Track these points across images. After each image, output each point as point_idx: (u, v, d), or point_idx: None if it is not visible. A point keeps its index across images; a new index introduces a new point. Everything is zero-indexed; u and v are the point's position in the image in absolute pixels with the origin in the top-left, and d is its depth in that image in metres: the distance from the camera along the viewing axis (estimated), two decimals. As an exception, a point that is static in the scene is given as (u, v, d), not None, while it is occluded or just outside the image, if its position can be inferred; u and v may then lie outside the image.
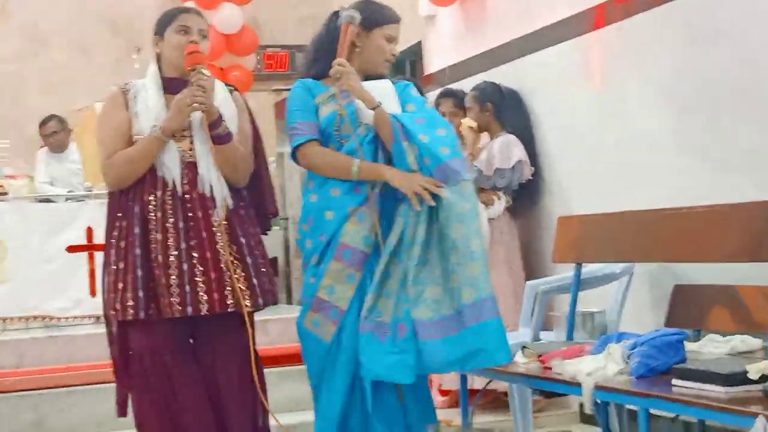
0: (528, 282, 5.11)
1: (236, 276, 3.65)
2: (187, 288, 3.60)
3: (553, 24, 5.78)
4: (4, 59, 9.82)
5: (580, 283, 4.60)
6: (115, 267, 3.67)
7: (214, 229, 3.66)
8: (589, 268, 4.74)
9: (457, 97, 6.15)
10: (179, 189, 3.66)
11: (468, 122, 5.90)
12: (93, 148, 7.45)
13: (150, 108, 3.69)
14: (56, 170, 8.72)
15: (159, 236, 3.62)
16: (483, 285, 3.43)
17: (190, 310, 3.60)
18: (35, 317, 6.72)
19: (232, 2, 9.39)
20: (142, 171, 3.66)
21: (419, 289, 3.48)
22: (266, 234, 4.00)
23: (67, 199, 7.40)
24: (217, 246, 3.64)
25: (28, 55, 9.89)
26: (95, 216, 6.76)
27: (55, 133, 8.70)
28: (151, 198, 3.65)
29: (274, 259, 10.94)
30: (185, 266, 3.61)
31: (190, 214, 3.65)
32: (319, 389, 3.64)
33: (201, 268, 3.62)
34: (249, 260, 3.72)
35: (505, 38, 6.36)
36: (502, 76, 6.20)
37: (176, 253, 3.62)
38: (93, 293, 6.70)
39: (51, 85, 9.87)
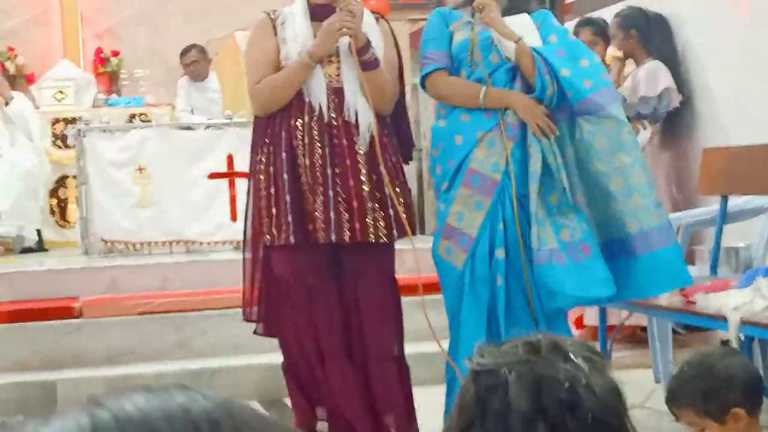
0: (670, 214, 5.00)
1: (375, 206, 3.66)
2: (332, 215, 3.61)
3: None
4: (148, -13, 10.00)
5: (725, 217, 4.49)
6: (266, 192, 3.70)
7: (357, 158, 3.66)
8: (735, 201, 4.62)
9: (597, 25, 6.01)
10: (325, 115, 3.66)
11: (612, 51, 5.76)
12: (233, 76, 7.61)
13: (298, 34, 3.70)
14: (196, 99, 8.89)
15: (307, 161, 3.63)
16: (644, 216, 3.41)
17: (333, 237, 3.62)
18: (178, 242, 6.87)
19: (371, -69, 9.36)
20: (290, 96, 3.68)
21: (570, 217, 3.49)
22: (407, 164, 4.00)
23: (207, 127, 7.51)
24: (360, 175, 3.65)
25: (170, -16, 10.04)
26: (235, 143, 6.88)
27: (195, 62, 8.85)
28: (299, 123, 3.66)
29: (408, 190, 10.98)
30: (330, 193, 3.63)
31: (336, 141, 3.66)
32: (455, 316, 3.65)
33: (344, 196, 3.63)
34: (387, 191, 3.73)
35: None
36: (646, 3, 6.02)
37: (322, 180, 3.63)
38: (234, 218, 6.82)
39: (192, 15, 10.00)
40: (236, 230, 6.79)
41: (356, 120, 3.69)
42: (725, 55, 5.38)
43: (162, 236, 6.83)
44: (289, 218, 3.62)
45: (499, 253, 3.53)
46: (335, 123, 3.67)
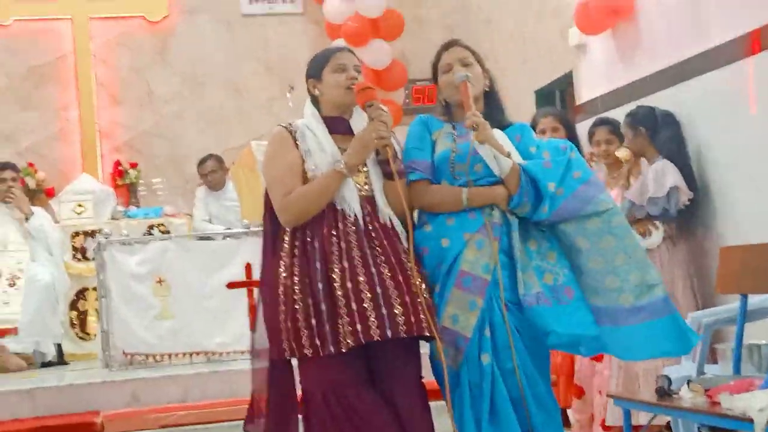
0: (691, 314, 4.99)
1: (426, 300, 3.62)
2: (384, 311, 3.53)
3: (707, 51, 5.68)
4: (165, 101, 10.17)
5: (746, 315, 4.48)
6: (302, 304, 3.59)
7: (402, 256, 3.66)
8: (755, 299, 4.61)
9: (612, 125, 6.08)
10: (361, 221, 3.69)
11: (621, 153, 5.81)
12: (250, 185, 7.69)
13: (324, 145, 3.74)
14: (214, 208, 8.99)
15: (346, 264, 3.59)
16: (614, 295, 3.57)
17: (389, 333, 3.51)
18: (198, 353, 6.88)
19: (382, 38, 9.55)
20: (323, 206, 3.68)
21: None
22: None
23: (225, 237, 7.57)
24: (407, 272, 3.62)
25: (187, 96, 10.22)
26: (253, 252, 6.88)
27: (213, 172, 8.99)
28: (333, 231, 3.67)
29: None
30: (379, 289, 3.56)
31: (376, 242, 3.65)
32: (460, 416, 3.61)
33: (396, 291, 3.57)
34: (423, 291, 3.68)
35: (658, 65, 6.28)
36: (656, 103, 6.09)
37: (366, 278, 3.57)
38: (252, 328, 6.80)
39: (208, 125, 10.17)
40: (255, 339, 6.83)
41: (392, 225, 3.72)
42: (739, 152, 5.43)
43: (182, 348, 6.85)
44: (327, 328, 3.55)
45: (485, 359, 3.56)
46: (371, 227, 3.69)
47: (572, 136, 5.80)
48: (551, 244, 3.67)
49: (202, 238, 7.68)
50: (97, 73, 10.08)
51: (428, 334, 3.57)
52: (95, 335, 8.03)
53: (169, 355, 6.85)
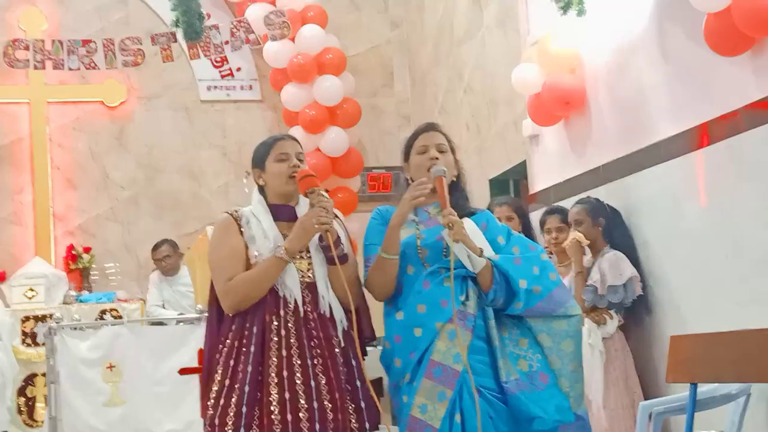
0: (641, 402, 5.02)
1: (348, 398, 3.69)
2: (315, 404, 3.59)
3: (657, 142, 5.78)
4: (120, 186, 10.17)
5: (695, 404, 4.49)
6: (218, 386, 3.65)
7: (335, 351, 3.70)
8: (705, 389, 4.64)
9: (563, 213, 6.19)
10: (301, 309, 3.71)
11: (581, 237, 5.86)
12: (204, 271, 7.66)
13: (267, 232, 3.77)
14: (168, 293, 8.94)
15: (284, 353, 3.64)
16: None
17: (318, 426, 3.57)
18: (148, 440, 6.79)
19: (339, 126, 9.65)
20: (264, 292, 3.71)
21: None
22: (365, 357, 4.01)
23: (178, 322, 7.54)
24: (338, 367, 3.68)
25: (142, 181, 10.22)
26: (206, 338, 6.88)
27: (167, 257, 8.95)
28: (273, 317, 3.69)
29: (380, 380, 10.91)
30: (313, 384, 3.62)
31: (314, 333, 3.69)
32: None
33: (327, 387, 3.64)
34: (358, 383, 3.74)
35: (609, 156, 6.38)
36: (608, 194, 6.19)
37: (301, 369, 3.63)
38: (203, 415, 6.75)
39: (163, 210, 10.17)
40: (207, 427, 6.76)
41: (331, 313, 3.74)
42: (688, 243, 5.51)
43: (133, 434, 6.76)
44: (244, 409, 3.57)
45: None
46: (311, 316, 3.71)
47: (526, 225, 5.90)
48: (521, 331, 3.70)
49: (154, 323, 7.65)
50: (53, 156, 10.08)
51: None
52: (42, 422, 7.91)
53: (118, 443, 6.76)
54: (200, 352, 6.87)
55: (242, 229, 3.81)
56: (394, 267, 3.71)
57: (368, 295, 3.90)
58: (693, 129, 5.41)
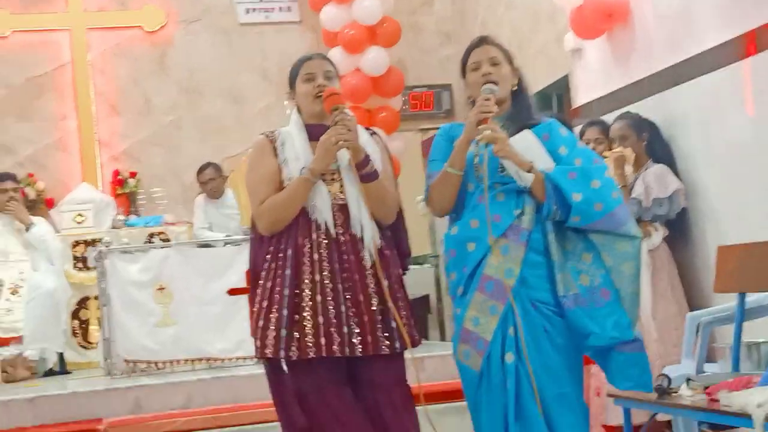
0: (689, 313, 5.04)
1: (381, 319, 3.73)
2: (345, 329, 3.66)
3: (703, 53, 5.72)
4: (162, 111, 10.20)
5: (744, 313, 4.51)
6: (258, 307, 3.74)
7: (365, 272, 3.73)
8: (753, 298, 4.65)
9: (604, 125, 6.17)
10: (332, 231, 3.74)
11: (627, 152, 5.82)
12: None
13: (299, 154, 3.78)
14: (214, 216, 9.01)
15: (317, 277, 3.68)
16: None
17: (347, 350, 3.66)
18: (200, 359, 6.91)
19: (379, 45, 9.59)
20: (294, 214, 3.74)
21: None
22: (405, 273, 4.03)
23: (225, 244, 7.61)
24: (369, 289, 3.72)
25: (185, 105, 10.25)
26: (254, 259, 6.96)
27: (212, 180, 9.01)
28: (306, 241, 3.73)
29: (426, 297, 11.00)
30: (342, 308, 3.68)
31: (345, 257, 3.72)
32: (477, 419, 3.67)
33: (354, 310, 3.69)
34: (390, 304, 3.76)
35: (653, 69, 6.32)
36: (652, 106, 6.15)
37: (332, 294, 3.69)
38: (254, 334, 6.86)
39: (206, 134, 10.20)
40: (257, 346, 6.86)
41: (362, 234, 3.76)
42: (735, 153, 5.47)
43: (184, 354, 6.88)
44: (283, 332, 3.64)
45: (509, 357, 3.57)
46: (342, 239, 3.74)
47: None
48: (586, 245, 3.66)
49: (202, 246, 7.72)
50: (95, 83, 10.09)
51: (386, 352, 3.69)
52: (97, 344, 8.07)
53: (171, 362, 6.88)
54: (247, 273, 6.96)
55: (277, 152, 3.82)
56: (457, 183, 3.70)
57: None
58: (739, 37, 5.34)
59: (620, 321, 3.58)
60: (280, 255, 3.74)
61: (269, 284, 3.73)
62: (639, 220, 5.63)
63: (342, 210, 3.77)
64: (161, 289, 6.94)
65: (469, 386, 3.67)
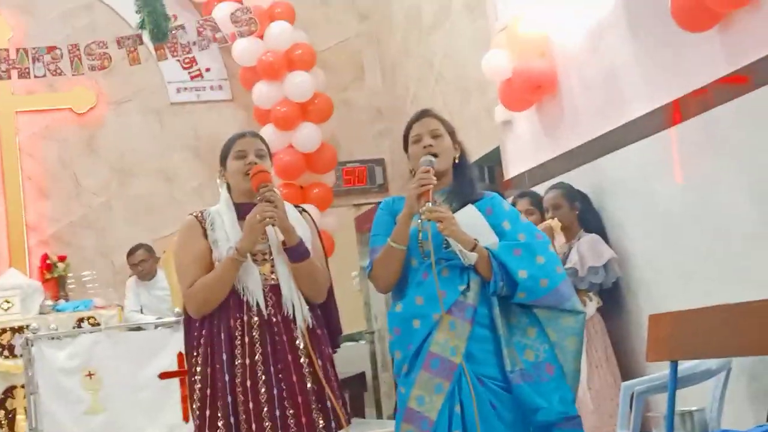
0: (623, 383, 5.00)
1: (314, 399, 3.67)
2: (277, 412, 3.60)
3: (631, 121, 5.76)
4: (92, 192, 10.07)
5: (677, 381, 4.46)
6: (199, 394, 3.68)
7: (298, 353, 3.67)
8: (685, 366, 4.62)
9: (534, 197, 6.20)
10: (264, 312, 3.67)
11: (554, 223, 5.86)
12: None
13: (228, 234, 3.74)
14: (145, 298, 8.87)
15: (247, 361, 3.63)
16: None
17: None
18: (131, 446, 6.72)
19: (311, 121, 9.59)
20: (223, 295, 3.69)
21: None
22: (335, 352, 3.99)
23: (156, 326, 7.46)
24: (302, 369, 3.66)
25: (115, 186, 10.14)
26: (186, 341, 6.83)
27: (143, 261, 8.88)
28: (237, 323, 3.67)
29: (362, 374, 10.88)
30: (275, 390, 3.62)
31: (277, 338, 3.67)
32: None
33: (288, 392, 3.63)
34: (324, 383, 3.71)
35: (583, 139, 6.35)
36: (583, 176, 6.17)
37: (264, 377, 3.63)
38: (186, 419, 6.70)
39: (137, 215, 10.08)
40: (189, 431, 6.69)
41: (293, 315, 3.69)
42: (663, 223, 5.48)
43: (114, 442, 6.69)
44: (231, 420, 3.59)
45: None
46: (274, 320, 3.69)
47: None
48: (530, 319, 3.64)
49: (132, 329, 7.58)
50: (24, 166, 9.95)
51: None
52: (25, 434, 7.84)
53: (100, 451, 6.68)
54: (179, 355, 6.86)
55: (206, 232, 3.78)
56: (401, 257, 3.68)
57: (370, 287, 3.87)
58: (665, 106, 5.39)
59: (565, 396, 3.56)
60: (215, 339, 3.68)
61: (209, 370, 3.66)
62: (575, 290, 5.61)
63: (273, 290, 3.72)
64: (90, 375, 6.75)
65: None
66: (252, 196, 3.77)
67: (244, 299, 3.69)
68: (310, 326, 3.74)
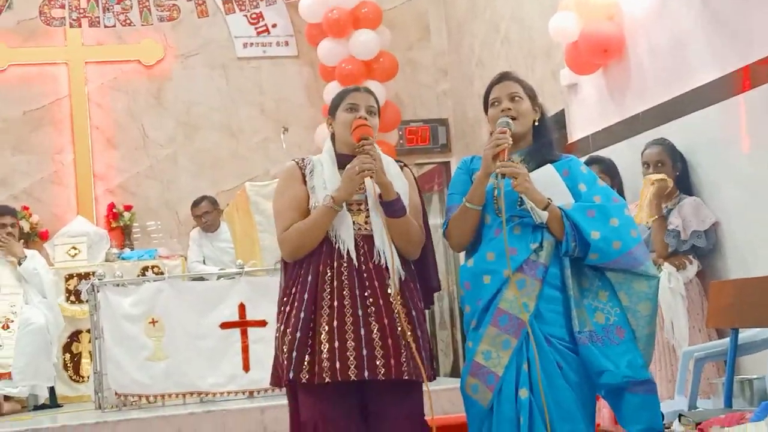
0: (683, 349, 5.00)
1: (411, 345, 3.67)
2: (364, 352, 3.62)
3: (696, 89, 5.72)
4: (159, 144, 10.21)
5: (737, 349, 4.47)
6: (278, 333, 3.76)
7: (390, 298, 3.70)
8: (746, 334, 4.61)
9: (604, 163, 6.12)
10: (354, 260, 3.73)
11: (670, 182, 5.66)
12: (243, 227, 7.70)
13: (326, 182, 3.79)
14: (208, 249, 9.00)
15: (336, 303, 3.67)
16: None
17: (367, 374, 3.61)
18: (191, 393, 6.85)
19: (375, 80, 9.61)
20: (317, 242, 3.75)
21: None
22: (429, 308, 4.02)
23: (219, 277, 7.59)
24: (393, 315, 3.67)
25: (181, 139, 10.26)
26: (247, 293, 6.95)
27: (207, 213, 9.00)
28: (327, 268, 3.73)
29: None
30: (362, 331, 3.65)
31: (367, 284, 3.70)
32: None
33: (378, 334, 3.65)
34: (418, 333, 3.75)
35: (648, 104, 6.32)
36: (647, 141, 6.13)
37: (352, 319, 3.66)
38: (246, 369, 6.84)
39: (202, 168, 10.20)
40: (249, 380, 6.83)
41: (386, 264, 3.73)
42: (729, 190, 5.45)
43: (175, 388, 6.82)
44: (294, 354, 3.65)
45: (523, 393, 3.53)
46: (364, 267, 3.73)
47: (619, 188, 5.86)
48: (603, 283, 3.64)
49: (195, 279, 7.70)
50: (92, 116, 10.11)
51: (407, 378, 3.64)
52: (88, 378, 8.02)
53: (162, 396, 6.83)
54: (241, 306, 6.98)
55: (306, 178, 3.84)
56: (476, 217, 3.70)
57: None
58: (734, 73, 5.34)
59: (634, 361, 3.54)
60: (300, 280, 3.76)
61: (287, 308, 3.75)
62: (675, 252, 5.57)
63: (366, 240, 3.76)
64: (153, 322, 6.89)
65: (475, 420, 3.64)
66: (354, 148, 3.80)
67: (336, 246, 3.74)
68: (403, 278, 3.77)
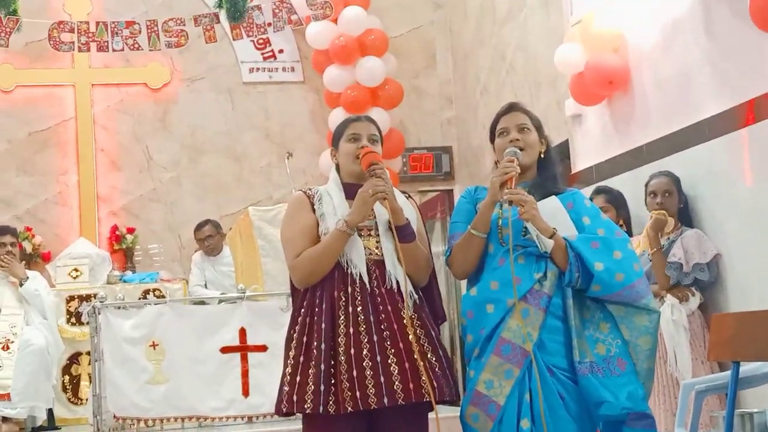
0: (683, 381, 4.98)
1: (427, 366, 3.67)
2: (382, 379, 3.62)
3: (702, 121, 5.73)
4: (163, 167, 10.23)
5: (738, 382, 4.45)
6: (293, 361, 3.73)
7: (404, 321, 3.70)
8: (748, 367, 4.60)
9: (610, 194, 6.13)
10: (368, 285, 3.74)
11: (671, 220, 5.72)
12: (246, 251, 7.71)
13: (336, 208, 3.82)
14: (210, 273, 9.00)
15: (351, 330, 3.68)
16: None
17: (386, 400, 3.61)
18: (190, 417, 6.83)
19: (380, 107, 9.65)
20: (329, 267, 3.76)
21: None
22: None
23: (220, 301, 7.57)
24: (409, 338, 3.67)
25: (185, 162, 10.28)
26: (248, 317, 6.93)
27: (210, 237, 9.01)
28: (341, 294, 3.74)
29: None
30: (379, 358, 3.65)
31: (381, 308, 3.72)
32: None
33: (396, 359, 3.65)
34: (441, 352, 3.76)
35: (653, 136, 6.33)
36: (650, 173, 6.13)
37: (369, 346, 3.66)
38: (245, 394, 6.81)
39: (206, 192, 10.22)
40: (248, 405, 6.80)
41: (398, 288, 3.75)
42: (730, 224, 5.45)
43: (174, 412, 6.79)
44: (321, 387, 3.64)
45: (524, 424, 3.52)
46: (377, 291, 3.74)
47: (626, 219, 5.88)
48: (604, 315, 3.64)
49: (197, 303, 7.68)
50: (98, 138, 10.16)
51: (427, 400, 3.63)
52: (87, 400, 8.00)
53: (161, 420, 6.80)
54: (242, 331, 6.97)
55: (314, 207, 3.87)
56: (481, 245, 3.70)
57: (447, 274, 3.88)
58: (738, 107, 5.35)
59: (635, 392, 3.53)
60: (316, 309, 3.76)
61: (305, 339, 3.74)
62: (677, 284, 5.56)
63: (377, 265, 3.78)
64: (154, 345, 6.87)
65: None
66: (361, 178, 3.82)
67: (348, 272, 3.76)
68: (417, 302, 3.79)
